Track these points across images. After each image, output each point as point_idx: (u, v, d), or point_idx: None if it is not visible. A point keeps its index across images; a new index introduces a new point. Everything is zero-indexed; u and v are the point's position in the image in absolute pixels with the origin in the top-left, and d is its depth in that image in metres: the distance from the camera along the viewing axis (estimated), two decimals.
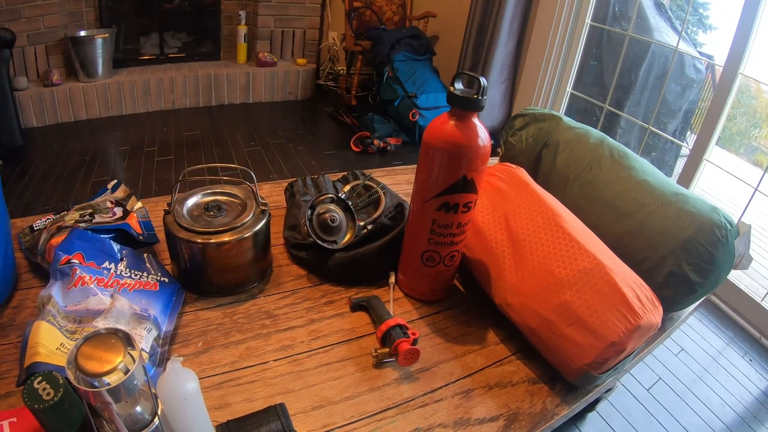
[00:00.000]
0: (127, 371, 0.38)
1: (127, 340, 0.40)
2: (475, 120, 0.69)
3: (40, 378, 0.42)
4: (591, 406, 1.39)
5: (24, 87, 2.89)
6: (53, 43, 3.02)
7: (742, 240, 0.81)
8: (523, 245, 0.76)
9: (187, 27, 3.71)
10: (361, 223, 0.93)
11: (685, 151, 2.39)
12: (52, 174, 2.47)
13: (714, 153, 2.22)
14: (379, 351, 0.70)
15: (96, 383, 0.37)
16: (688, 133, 3.42)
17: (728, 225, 0.78)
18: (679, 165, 2.91)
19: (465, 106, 0.67)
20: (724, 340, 1.92)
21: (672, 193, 0.85)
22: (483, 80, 0.66)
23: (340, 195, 0.92)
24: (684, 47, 2.81)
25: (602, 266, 0.68)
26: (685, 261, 0.78)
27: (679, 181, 2.30)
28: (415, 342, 0.70)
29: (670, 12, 3.19)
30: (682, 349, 1.82)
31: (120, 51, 3.41)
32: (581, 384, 0.70)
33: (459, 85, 0.69)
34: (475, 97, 0.66)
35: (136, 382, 0.39)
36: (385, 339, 0.71)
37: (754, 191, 2.04)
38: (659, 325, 0.69)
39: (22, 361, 0.56)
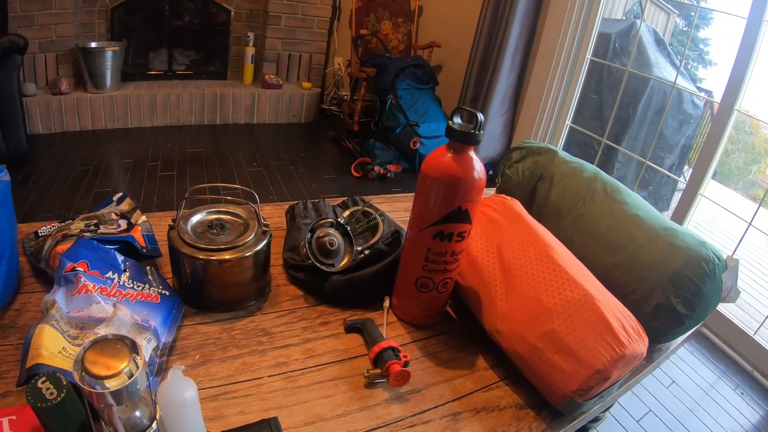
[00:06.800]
0: (131, 375, 0.40)
1: (133, 347, 0.42)
2: (472, 153, 0.72)
3: (44, 378, 0.44)
4: None
5: (32, 93, 2.94)
6: (64, 52, 3.08)
7: (730, 274, 0.83)
8: (515, 275, 0.78)
9: (196, 45, 3.79)
10: (359, 248, 0.95)
11: (682, 185, 2.42)
12: (55, 181, 2.50)
13: (711, 188, 2.26)
14: (371, 372, 0.72)
15: (100, 385, 0.39)
16: (686, 167, 3.46)
17: (716, 259, 0.81)
18: (676, 199, 2.96)
19: (462, 140, 0.70)
20: (716, 373, 1.93)
21: (662, 227, 0.87)
22: (480, 116, 0.69)
23: (339, 220, 0.94)
24: (682, 83, 2.87)
25: (590, 296, 0.70)
26: (673, 293, 0.80)
27: (674, 215, 2.34)
28: (406, 364, 0.72)
29: (669, 48, 3.26)
30: (674, 381, 1.83)
31: (129, 64, 3.48)
32: (567, 410, 0.72)
33: (458, 120, 0.72)
34: (472, 131, 0.69)
35: (138, 387, 0.41)
36: (378, 360, 0.73)
37: (748, 226, 2.07)
38: (644, 355, 0.71)
39: (24, 361, 0.58)
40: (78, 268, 0.71)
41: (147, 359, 0.64)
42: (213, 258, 0.76)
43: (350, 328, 0.83)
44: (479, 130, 0.69)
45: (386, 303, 0.89)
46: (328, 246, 0.88)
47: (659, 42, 3.20)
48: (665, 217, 0.92)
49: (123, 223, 0.88)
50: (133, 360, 0.41)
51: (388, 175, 3.08)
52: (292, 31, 3.78)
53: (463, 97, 3.28)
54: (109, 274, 0.74)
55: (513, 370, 0.79)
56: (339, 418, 0.66)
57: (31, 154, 2.69)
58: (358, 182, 3.01)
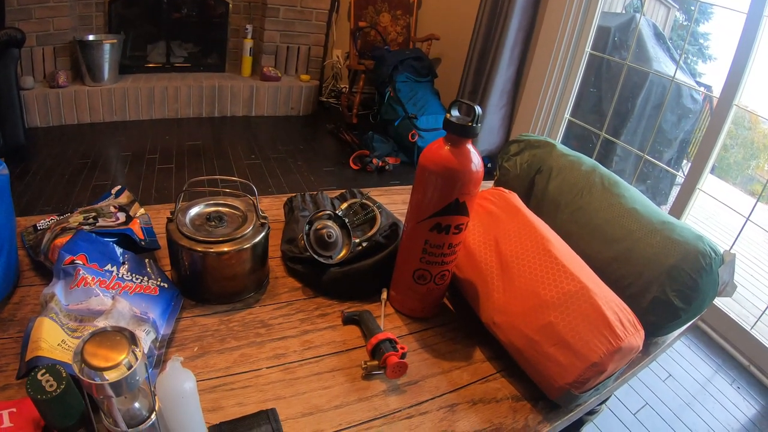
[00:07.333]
0: (130, 367, 0.40)
1: (132, 339, 0.42)
2: (469, 146, 0.72)
3: (43, 370, 0.45)
4: (576, 429, 1.41)
5: (30, 86, 2.93)
6: (61, 45, 3.07)
7: (727, 268, 0.84)
8: (512, 267, 0.79)
9: (194, 37, 3.77)
10: (357, 240, 0.95)
11: (680, 179, 2.43)
12: (53, 175, 2.50)
13: (710, 182, 2.26)
14: (368, 363, 0.72)
15: (99, 377, 0.39)
16: (684, 162, 3.47)
17: (713, 253, 0.81)
18: (674, 193, 2.96)
19: (460, 133, 0.70)
20: (713, 368, 1.95)
21: (659, 221, 0.87)
22: (478, 109, 0.69)
23: (337, 212, 0.95)
24: (682, 77, 2.87)
25: (587, 289, 0.71)
26: (669, 287, 0.80)
27: (672, 209, 2.34)
28: (403, 356, 0.73)
29: (669, 42, 3.25)
30: (670, 375, 1.84)
31: (127, 57, 3.46)
32: (563, 402, 0.72)
33: (456, 113, 0.72)
34: (470, 124, 0.69)
35: (137, 378, 0.41)
36: (375, 352, 0.74)
37: (746, 221, 2.08)
38: (640, 348, 0.71)
39: (24, 354, 0.58)
40: (77, 261, 0.71)
41: (146, 351, 0.65)
42: (211, 250, 0.76)
43: (348, 320, 0.83)
44: (477, 123, 0.69)
45: (384, 295, 0.90)
46: (326, 238, 0.88)
47: (659, 36, 3.19)
48: (663, 211, 0.92)
49: (121, 216, 0.88)
50: (132, 352, 0.41)
51: (387, 167, 3.08)
52: (290, 24, 3.77)
53: (462, 89, 3.28)
54: (108, 266, 0.74)
55: (510, 362, 0.80)
56: (336, 410, 0.66)
57: (29, 147, 2.69)
58: (357, 175, 3.01)
